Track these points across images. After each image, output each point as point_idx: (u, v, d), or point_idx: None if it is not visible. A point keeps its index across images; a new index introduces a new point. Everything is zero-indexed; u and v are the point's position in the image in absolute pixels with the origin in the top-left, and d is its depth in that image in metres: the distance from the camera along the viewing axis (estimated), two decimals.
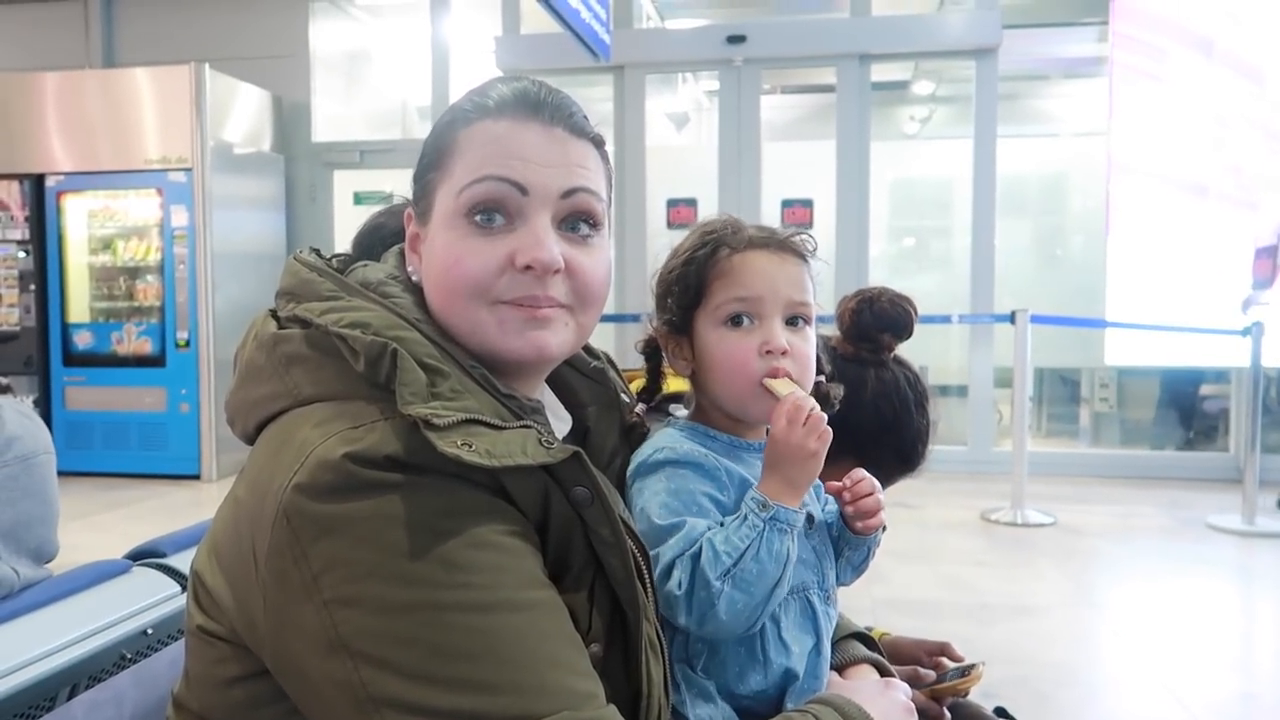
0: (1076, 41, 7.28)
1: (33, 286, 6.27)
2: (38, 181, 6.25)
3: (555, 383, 1.02)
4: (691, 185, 6.74)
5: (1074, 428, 7.11)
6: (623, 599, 0.82)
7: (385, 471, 0.74)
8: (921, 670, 1.36)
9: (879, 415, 1.35)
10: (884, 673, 1.10)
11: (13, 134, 6.25)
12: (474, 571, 0.74)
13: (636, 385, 1.16)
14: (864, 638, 1.15)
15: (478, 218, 0.85)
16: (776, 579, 0.93)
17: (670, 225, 6.65)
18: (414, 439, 0.75)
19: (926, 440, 1.40)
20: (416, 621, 0.73)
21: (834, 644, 1.11)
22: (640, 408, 1.12)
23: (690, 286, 1.05)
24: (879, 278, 6.63)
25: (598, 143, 0.92)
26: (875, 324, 1.36)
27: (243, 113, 6.57)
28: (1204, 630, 3.61)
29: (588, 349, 1.05)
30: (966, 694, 1.36)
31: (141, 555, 1.39)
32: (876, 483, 1.08)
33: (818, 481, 1.11)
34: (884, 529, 1.11)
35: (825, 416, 0.97)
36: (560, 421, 0.98)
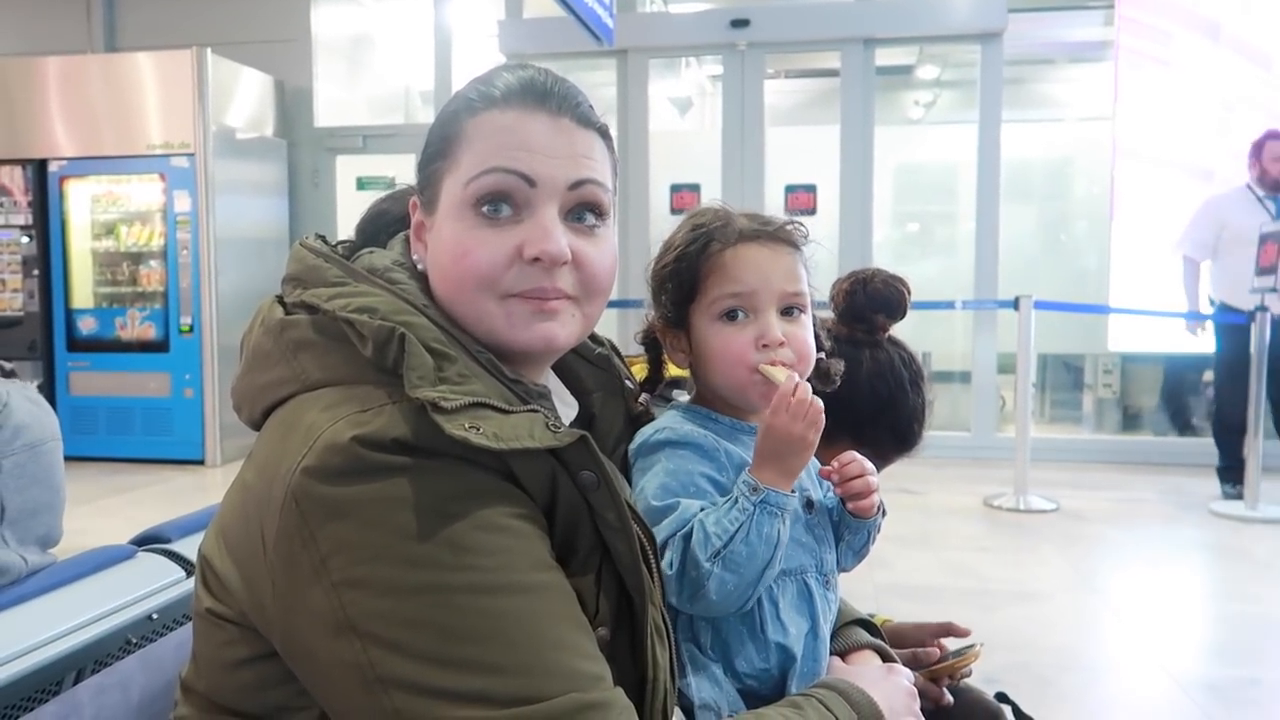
0: (1082, 25, 7.25)
1: (36, 272, 6.28)
2: (40, 166, 6.24)
3: (560, 369, 1.03)
4: (695, 170, 6.72)
5: (1077, 414, 7.11)
6: (629, 583, 0.83)
7: (393, 454, 0.74)
8: (921, 652, 1.37)
9: (875, 395, 1.36)
10: (886, 659, 1.11)
11: (15, 119, 6.24)
12: (482, 554, 0.75)
13: (639, 371, 1.16)
14: (866, 624, 1.16)
15: (485, 209, 0.85)
16: (766, 561, 0.95)
17: (673, 211, 6.63)
18: (422, 422, 0.75)
19: (922, 419, 1.41)
20: (424, 603, 0.73)
21: (837, 630, 1.11)
22: (644, 397, 1.13)
23: (683, 282, 1.06)
24: (882, 263, 6.50)
25: (603, 132, 0.92)
26: (869, 305, 1.36)
27: (245, 98, 6.55)
28: (1206, 616, 3.62)
29: (592, 336, 1.06)
30: (964, 675, 1.36)
31: (146, 541, 1.39)
32: (869, 464, 1.08)
33: (818, 465, 1.12)
34: (884, 514, 1.12)
35: (821, 406, 0.97)
36: (566, 407, 0.99)
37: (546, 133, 0.86)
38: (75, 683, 1.07)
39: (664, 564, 0.94)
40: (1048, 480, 5.27)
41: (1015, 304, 5.12)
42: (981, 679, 1.42)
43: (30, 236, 6.27)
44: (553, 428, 0.80)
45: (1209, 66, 6.13)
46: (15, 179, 6.25)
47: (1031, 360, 5.13)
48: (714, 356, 1.05)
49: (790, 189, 6.60)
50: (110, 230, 6.34)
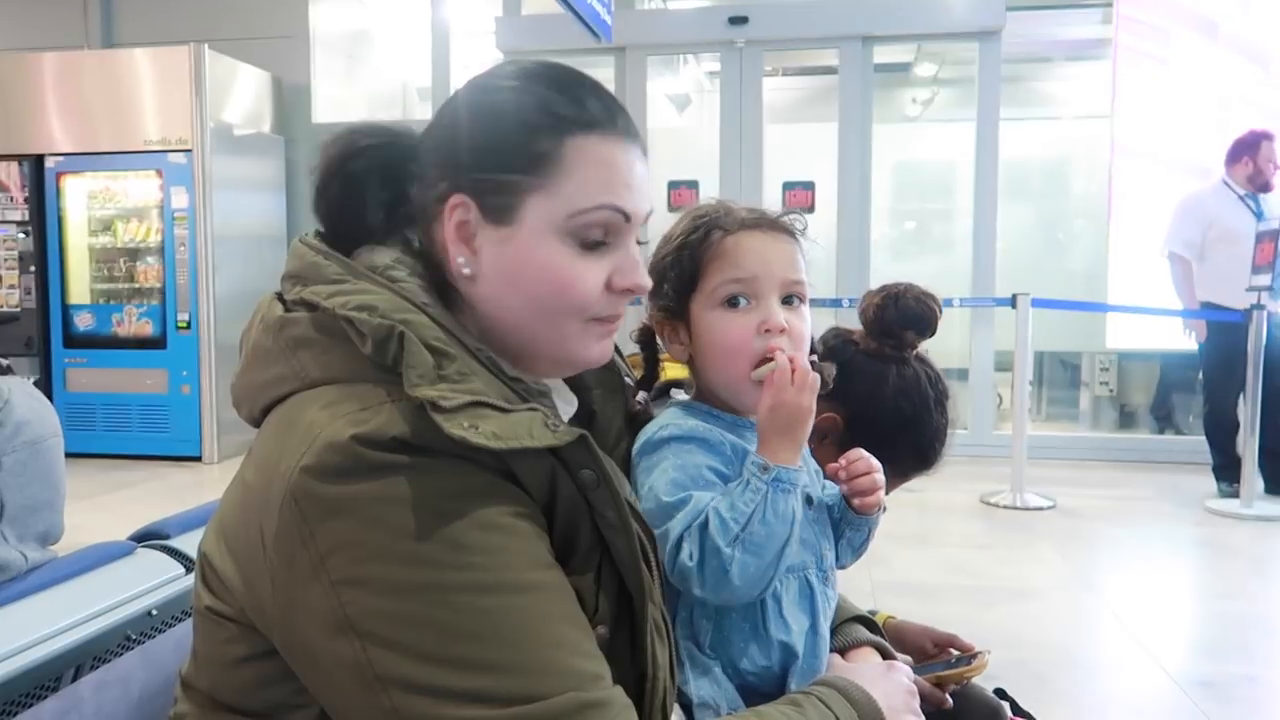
0: (1080, 23, 7.24)
1: (33, 268, 6.26)
2: (37, 162, 6.23)
3: None
4: (693, 167, 6.71)
5: (1074, 411, 7.11)
6: (628, 581, 0.83)
7: (392, 453, 0.74)
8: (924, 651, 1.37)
9: (899, 412, 1.35)
10: (886, 656, 1.11)
11: (12, 115, 6.22)
12: (481, 553, 0.75)
13: (637, 370, 1.16)
14: (866, 621, 1.16)
15: (590, 241, 0.87)
16: (785, 538, 0.95)
17: (671, 208, 6.62)
18: (421, 421, 0.75)
19: (944, 440, 1.41)
20: (423, 602, 0.73)
21: (836, 627, 1.12)
22: (642, 396, 1.13)
23: (685, 271, 1.06)
24: (880, 261, 6.63)
25: (643, 150, 0.94)
26: (899, 320, 1.36)
27: (243, 94, 6.54)
28: (1202, 613, 3.62)
29: None
30: (970, 682, 1.37)
31: (146, 537, 1.39)
32: (875, 462, 1.09)
33: (817, 465, 1.13)
34: (883, 510, 1.12)
35: (817, 376, 1.00)
36: (566, 404, 0.99)
37: (638, 167, 0.89)
38: (74, 679, 1.07)
39: (683, 557, 0.94)
40: (1044, 478, 5.28)
41: (1013, 302, 5.12)
42: (980, 677, 1.42)
43: (27, 232, 6.25)
44: (552, 426, 0.80)
45: (1207, 65, 6.13)
46: (12, 175, 6.23)
47: (1029, 358, 5.13)
48: (715, 344, 1.05)
49: (788, 186, 6.60)
50: (107, 226, 6.33)
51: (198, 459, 6.14)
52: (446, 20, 6.96)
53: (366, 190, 0.91)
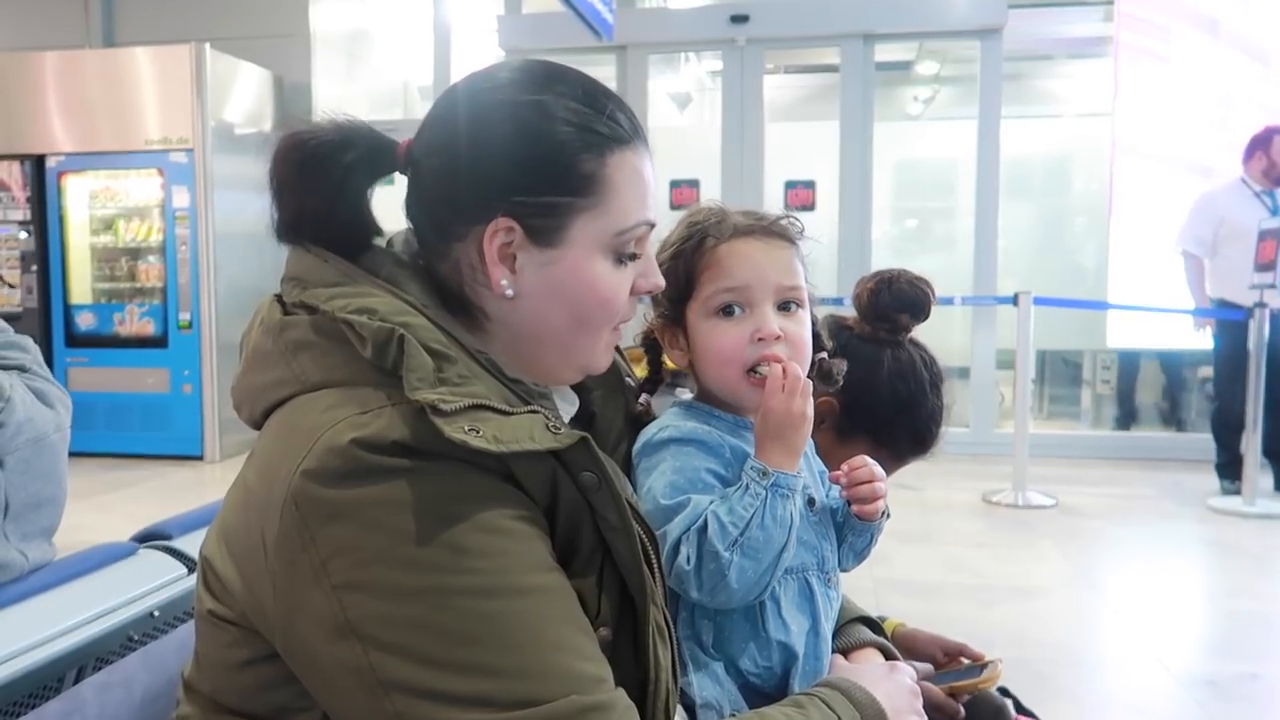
0: (1081, 21, 7.24)
1: (34, 267, 6.26)
2: (38, 162, 6.23)
3: None
4: (694, 166, 6.71)
5: (1075, 410, 7.11)
6: (630, 583, 0.83)
7: (392, 457, 0.74)
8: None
9: (895, 396, 1.36)
10: (889, 656, 1.11)
11: (13, 114, 6.22)
12: (482, 556, 0.75)
13: (639, 370, 1.16)
14: (869, 622, 1.16)
15: (624, 254, 0.89)
16: (783, 543, 0.96)
17: (673, 207, 6.62)
18: (421, 424, 0.75)
19: (940, 422, 1.41)
20: (424, 606, 0.73)
21: (839, 628, 1.12)
22: (644, 398, 1.12)
23: (680, 280, 1.07)
24: (882, 259, 6.62)
25: None
26: (893, 304, 1.36)
27: (244, 93, 6.54)
28: (1203, 611, 3.62)
29: None
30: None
31: (148, 538, 1.39)
32: (879, 469, 1.08)
33: (822, 466, 1.13)
34: (888, 516, 1.12)
35: (810, 383, 1.00)
36: (567, 404, 0.99)
37: (653, 173, 0.91)
38: (76, 680, 1.07)
39: (680, 560, 0.95)
40: (1046, 476, 5.27)
41: (1014, 300, 5.12)
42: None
43: (29, 232, 6.26)
44: (553, 429, 0.80)
45: (1208, 62, 6.13)
46: (13, 174, 6.23)
47: (1030, 356, 5.12)
48: (710, 353, 1.05)
49: (789, 185, 6.59)
50: (109, 226, 6.33)
51: (199, 458, 6.14)
52: (448, 19, 6.95)
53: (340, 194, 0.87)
